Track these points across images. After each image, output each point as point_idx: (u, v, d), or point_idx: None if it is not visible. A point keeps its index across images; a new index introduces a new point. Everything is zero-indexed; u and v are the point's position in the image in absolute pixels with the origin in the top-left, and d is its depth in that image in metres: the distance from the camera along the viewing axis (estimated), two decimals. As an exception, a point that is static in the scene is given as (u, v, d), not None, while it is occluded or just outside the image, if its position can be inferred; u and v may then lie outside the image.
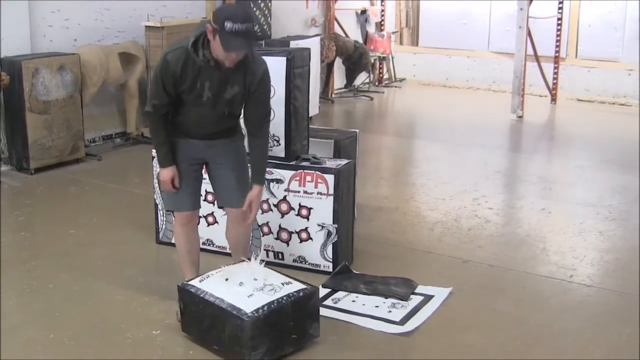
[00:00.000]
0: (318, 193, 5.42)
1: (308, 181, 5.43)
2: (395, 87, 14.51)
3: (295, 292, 4.39)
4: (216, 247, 5.82)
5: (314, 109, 10.29)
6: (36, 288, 5.33)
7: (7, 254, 5.93)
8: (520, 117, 11.52)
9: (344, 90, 13.56)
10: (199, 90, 4.44)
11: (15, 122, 8.04)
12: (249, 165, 4.77)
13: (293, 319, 4.32)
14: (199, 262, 5.01)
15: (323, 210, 5.44)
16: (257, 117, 4.63)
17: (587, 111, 12.54)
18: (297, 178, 5.43)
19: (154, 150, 5.26)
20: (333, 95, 13.18)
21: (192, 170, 4.74)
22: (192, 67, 4.39)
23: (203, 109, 4.51)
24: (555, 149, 10.26)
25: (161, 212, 5.99)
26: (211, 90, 4.44)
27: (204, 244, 5.86)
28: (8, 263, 5.75)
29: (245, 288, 4.35)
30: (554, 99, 12.94)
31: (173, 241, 5.91)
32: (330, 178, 5.37)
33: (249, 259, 4.64)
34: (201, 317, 4.40)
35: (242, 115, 4.70)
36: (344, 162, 5.59)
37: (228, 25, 4.17)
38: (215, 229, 5.77)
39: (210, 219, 5.82)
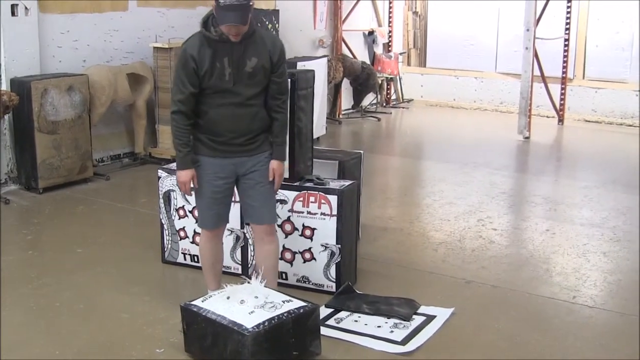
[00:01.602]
0: (321, 214, 5.46)
1: (312, 202, 5.47)
2: (403, 107, 14.56)
3: (295, 309, 4.43)
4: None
5: (321, 129, 10.38)
6: (42, 305, 5.38)
7: (14, 272, 5.99)
8: (527, 138, 11.55)
9: (351, 111, 13.61)
10: (220, 70, 4.56)
11: (24, 142, 8.12)
12: None
13: (294, 336, 4.36)
14: (221, 274, 5.16)
15: (326, 230, 5.48)
16: (276, 91, 4.77)
17: (595, 132, 12.57)
18: (301, 199, 5.47)
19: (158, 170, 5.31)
20: (340, 116, 13.23)
21: (221, 189, 4.81)
22: (208, 48, 4.56)
23: (229, 97, 4.61)
24: (561, 170, 10.28)
25: (167, 231, 6.04)
26: (231, 65, 4.56)
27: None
28: (15, 281, 5.80)
29: (246, 305, 4.40)
30: (561, 119, 12.97)
31: (179, 260, 5.99)
32: (333, 199, 5.41)
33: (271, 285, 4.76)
34: (203, 335, 4.44)
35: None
36: (347, 183, 5.63)
37: (221, 0, 4.41)
38: (220, 249, 5.81)
39: (215, 239, 5.85)
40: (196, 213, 5.79)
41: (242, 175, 4.80)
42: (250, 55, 4.60)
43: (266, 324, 4.27)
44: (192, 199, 5.82)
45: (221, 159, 4.73)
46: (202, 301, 4.57)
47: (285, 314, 4.37)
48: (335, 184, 5.54)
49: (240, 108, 4.66)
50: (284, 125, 4.90)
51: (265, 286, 4.64)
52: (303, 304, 4.52)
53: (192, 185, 4.79)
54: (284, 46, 4.84)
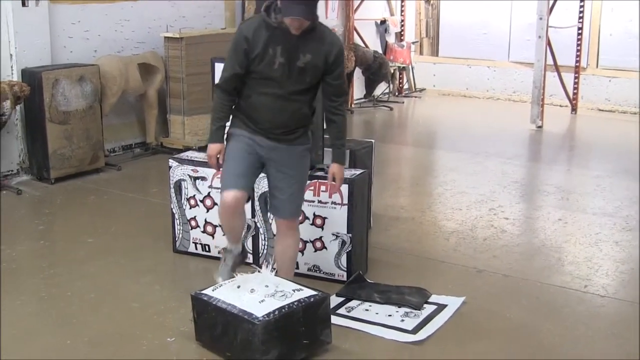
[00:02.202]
0: (332, 203, 5.45)
1: (322, 191, 5.46)
2: (415, 97, 14.51)
3: (306, 297, 4.43)
4: (232, 256, 5.85)
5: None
6: (54, 295, 5.40)
7: (26, 261, 6.02)
8: (540, 127, 11.50)
9: (363, 100, 13.57)
10: (271, 57, 4.48)
11: (35, 132, 8.13)
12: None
13: (304, 325, 4.36)
14: (242, 233, 5.12)
15: (337, 219, 5.47)
16: (332, 93, 4.71)
17: (608, 121, 12.49)
18: (312, 188, 5.46)
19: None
20: (352, 106, 13.20)
21: (250, 159, 4.72)
22: (264, 33, 4.47)
23: (273, 87, 4.54)
24: (574, 159, 10.23)
25: (178, 221, 6.04)
26: (283, 55, 4.47)
27: (219, 252, 5.89)
28: (27, 271, 5.84)
29: (257, 294, 4.40)
30: (574, 109, 12.90)
31: (190, 250, 5.99)
32: (344, 188, 5.39)
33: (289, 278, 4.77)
34: (214, 324, 4.45)
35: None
36: (358, 172, 5.62)
37: None
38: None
39: (226, 228, 5.85)
40: (207, 202, 5.84)
41: (273, 163, 4.73)
42: (305, 50, 4.51)
43: (276, 312, 4.27)
44: (203, 188, 5.84)
45: (259, 138, 4.67)
46: (213, 290, 4.58)
47: (295, 303, 4.37)
48: (346, 173, 5.51)
49: (283, 101, 4.58)
50: (343, 128, 4.82)
51: (279, 277, 4.65)
52: (313, 292, 4.51)
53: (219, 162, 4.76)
54: (343, 48, 4.73)
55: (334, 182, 4.88)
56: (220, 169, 4.81)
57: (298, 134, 4.72)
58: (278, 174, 4.75)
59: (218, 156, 4.75)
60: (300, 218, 5.46)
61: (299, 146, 4.76)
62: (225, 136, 4.77)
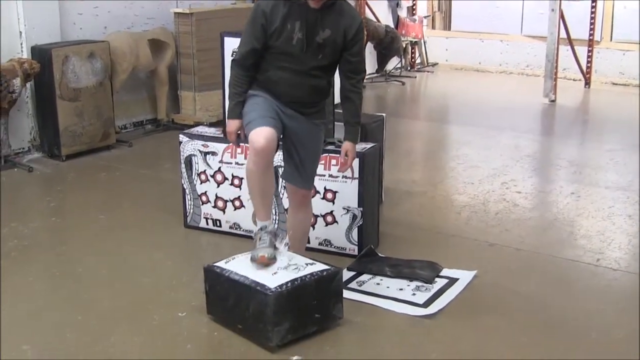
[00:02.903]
0: (343, 177, 5.42)
1: (333, 165, 5.44)
2: (428, 71, 14.44)
3: (319, 271, 4.42)
4: (243, 231, 5.84)
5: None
6: (65, 272, 5.42)
7: (38, 238, 6.02)
8: (553, 101, 11.43)
9: (375, 75, 13.52)
10: (289, 32, 4.38)
11: (46, 110, 8.12)
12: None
13: (316, 298, 4.35)
14: (272, 204, 4.86)
15: (348, 193, 5.45)
16: (350, 70, 4.58)
17: (622, 95, 12.39)
18: (323, 162, 5.42)
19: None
20: (364, 80, 13.13)
21: (275, 109, 4.52)
22: (282, 7, 4.38)
23: (292, 63, 4.43)
24: (587, 133, 10.17)
25: (188, 196, 6.03)
26: (302, 30, 4.37)
27: (230, 227, 5.91)
28: (38, 247, 5.85)
29: (270, 267, 4.40)
30: (587, 82, 12.81)
31: (202, 225, 5.99)
32: (355, 162, 5.36)
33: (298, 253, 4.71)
34: (226, 296, 4.44)
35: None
36: (369, 145, 5.59)
37: None
38: (242, 214, 5.79)
39: (237, 203, 5.84)
40: (218, 177, 5.83)
41: (289, 130, 4.61)
42: (325, 25, 4.41)
43: (289, 284, 4.27)
44: (214, 163, 5.83)
45: (278, 103, 4.54)
46: (226, 263, 4.58)
47: (308, 276, 4.36)
48: (357, 147, 5.48)
49: (301, 76, 4.48)
50: (359, 107, 4.71)
51: (291, 251, 4.64)
52: (326, 267, 4.50)
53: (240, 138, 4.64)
54: (362, 24, 4.61)
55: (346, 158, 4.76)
56: (239, 145, 4.74)
57: (316, 109, 4.66)
58: (294, 145, 4.66)
59: (238, 132, 4.60)
60: (312, 192, 5.44)
61: (316, 120, 4.69)
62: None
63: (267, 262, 4.39)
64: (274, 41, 4.43)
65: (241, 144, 5.01)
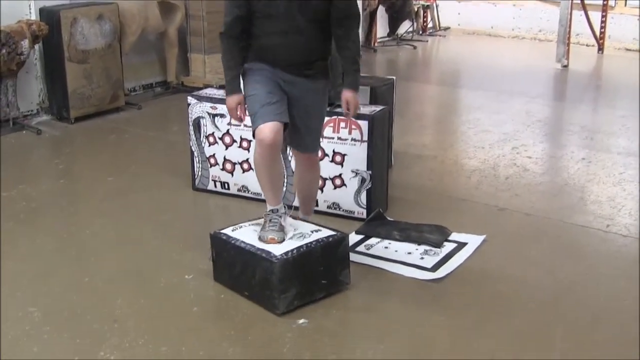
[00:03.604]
0: (352, 139, 5.39)
1: (342, 127, 5.40)
2: (440, 36, 14.33)
3: (324, 237, 4.40)
4: (251, 193, 5.82)
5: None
6: (73, 233, 5.41)
7: (46, 200, 6.02)
8: (566, 66, 11.33)
9: (387, 39, 13.43)
10: None
11: (54, 72, 8.08)
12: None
13: (323, 264, 4.33)
14: (282, 189, 4.82)
15: (357, 156, 5.41)
16: (340, 14, 4.38)
17: (635, 61, 12.20)
18: (331, 124, 5.39)
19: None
20: (376, 44, 13.06)
21: (276, 85, 4.43)
22: None
23: (280, 24, 4.28)
24: (599, 99, 10.10)
25: (197, 159, 6.00)
26: None
27: (239, 190, 5.88)
28: (47, 209, 5.85)
29: (276, 239, 4.40)
30: (601, 48, 12.69)
31: (210, 187, 5.97)
32: (364, 124, 5.33)
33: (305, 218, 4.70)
34: (232, 263, 4.43)
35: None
36: (378, 108, 5.55)
37: None
38: (250, 176, 5.75)
39: (245, 166, 5.81)
40: (226, 139, 5.80)
41: (291, 97, 4.48)
42: None
43: (295, 251, 4.25)
44: (222, 125, 5.80)
45: (277, 71, 4.41)
46: (232, 230, 4.55)
47: (314, 242, 4.35)
48: (366, 110, 5.45)
49: (293, 36, 4.33)
50: (356, 53, 4.50)
51: (302, 217, 4.66)
52: (332, 232, 4.48)
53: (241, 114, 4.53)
54: None
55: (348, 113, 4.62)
56: (243, 121, 4.64)
57: (317, 69, 4.50)
58: (298, 109, 4.54)
59: (239, 107, 4.51)
60: (320, 155, 5.39)
61: (318, 80, 4.54)
62: (241, 84, 4.54)
63: (276, 244, 4.36)
64: (256, 4, 4.30)
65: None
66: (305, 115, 4.57)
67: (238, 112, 4.50)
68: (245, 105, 4.49)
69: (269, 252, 4.25)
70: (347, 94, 4.51)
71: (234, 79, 4.47)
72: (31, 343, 3.93)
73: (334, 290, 4.43)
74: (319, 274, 4.34)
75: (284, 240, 4.38)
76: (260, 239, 4.40)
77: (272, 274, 4.19)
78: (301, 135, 4.65)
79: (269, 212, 4.53)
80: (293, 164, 5.26)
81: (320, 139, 4.85)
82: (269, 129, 4.30)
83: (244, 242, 4.39)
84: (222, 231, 4.57)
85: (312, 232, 4.46)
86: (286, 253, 4.23)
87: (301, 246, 4.30)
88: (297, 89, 4.49)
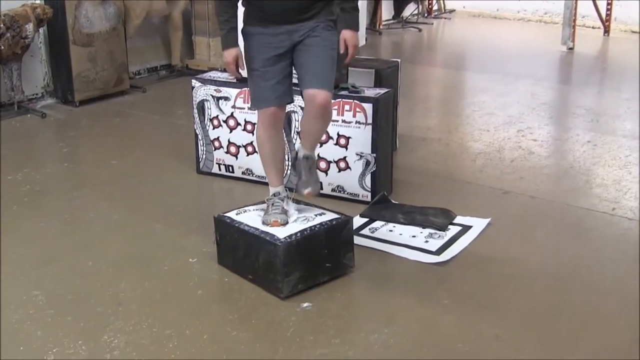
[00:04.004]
0: (356, 122, 5.37)
1: (346, 110, 5.38)
2: (445, 18, 14.29)
3: (328, 220, 4.39)
4: (255, 176, 5.81)
5: (361, 39, 10.20)
6: (77, 217, 5.40)
7: (50, 184, 6.01)
8: (571, 48, 11.30)
9: (392, 21, 13.41)
10: None
11: (59, 55, 8.07)
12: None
13: (327, 247, 4.32)
14: (284, 169, 4.82)
15: (361, 139, 5.39)
16: None
17: (641, 43, 12.25)
18: (336, 107, 5.37)
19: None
20: (381, 27, 13.03)
21: (273, 60, 4.33)
22: None
23: None
24: (605, 82, 10.06)
25: (201, 142, 5.99)
26: None
27: (243, 173, 5.87)
28: (51, 193, 5.83)
29: (280, 223, 4.39)
30: (606, 30, 12.64)
31: (214, 171, 5.96)
32: (368, 107, 5.31)
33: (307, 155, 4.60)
34: (236, 247, 4.42)
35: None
36: (383, 91, 5.53)
37: None
38: (254, 159, 5.73)
39: (249, 149, 5.79)
40: (230, 122, 5.78)
41: (297, 42, 4.31)
42: None
43: (298, 234, 4.24)
44: (226, 108, 5.78)
45: (273, 27, 4.26)
46: (236, 214, 4.55)
47: (317, 226, 4.33)
48: (370, 92, 5.44)
49: None
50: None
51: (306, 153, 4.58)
52: (336, 216, 4.47)
53: (238, 67, 4.43)
54: None
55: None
56: (241, 77, 4.57)
57: (316, 10, 4.30)
58: (304, 51, 4.33)
59: (238, 60, 4.41)
60: (324, 138, 5.38)
61: (320, 22, 4.31)
62: (238, 36, 4.43)
63: (279, 227, 4.34)
64: None
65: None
66: (312, 50, 4.33)
67: (237, 67, 4.44)
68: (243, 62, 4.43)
69: (272, 235, 4.24)
70: (345, 33, 4.35)
71: (229, 32, 4.39)
72: (35, 327, 3.92)
73: (338, 273, 4.42)
74: (323, 257, 4.32)
75: (287, 223, 4.37)
76: (264, 222, 4.40)
77: (276, 257, 4.18)
78: (311, 71, 4.35)
79: (271, 196, 4.53)
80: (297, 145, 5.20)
81: (333, 79, 4.46)
82: (270, 111, 4.41)
83: (247, 225, 4.38)
84: (226, 214, 4.56)
85: (316, 215, 4.46)
86: (290, 236, 4.22)
87: (305, 229, 4.29)
88: (300, 33, 4.31)
